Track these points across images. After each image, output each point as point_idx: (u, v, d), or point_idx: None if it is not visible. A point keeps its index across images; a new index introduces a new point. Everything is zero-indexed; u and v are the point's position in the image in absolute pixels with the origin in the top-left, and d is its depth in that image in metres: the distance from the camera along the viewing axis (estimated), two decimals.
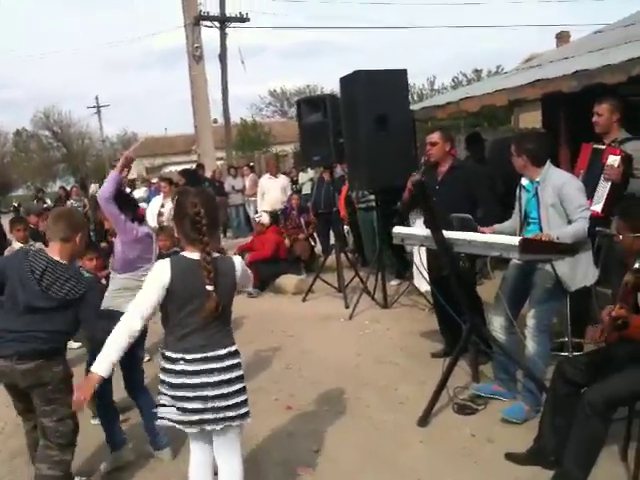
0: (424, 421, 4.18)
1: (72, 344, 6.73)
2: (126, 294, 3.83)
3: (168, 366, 2.84)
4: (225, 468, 2.97)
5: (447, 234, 4.08)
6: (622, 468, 3.38)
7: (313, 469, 3.76)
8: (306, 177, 14.28)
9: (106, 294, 4.04)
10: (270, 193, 11.72)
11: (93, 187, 17.72)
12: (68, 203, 15.30)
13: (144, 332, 3.94)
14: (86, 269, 4.82)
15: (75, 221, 3.47)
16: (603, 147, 4.61)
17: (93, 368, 2.77)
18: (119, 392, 4.89)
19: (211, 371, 2.78)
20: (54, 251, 3.36)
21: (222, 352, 2.81)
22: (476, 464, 3.65)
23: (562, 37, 25.08)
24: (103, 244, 9.03)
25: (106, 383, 4.01)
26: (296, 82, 73.42)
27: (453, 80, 30.87)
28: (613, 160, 4.46)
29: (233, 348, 2.86)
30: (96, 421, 4.32)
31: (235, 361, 2.85)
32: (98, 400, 3.96)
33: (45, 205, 15.35)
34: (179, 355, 2.81)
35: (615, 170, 4.46)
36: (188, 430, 2.90)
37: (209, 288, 2.70)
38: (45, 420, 3.35)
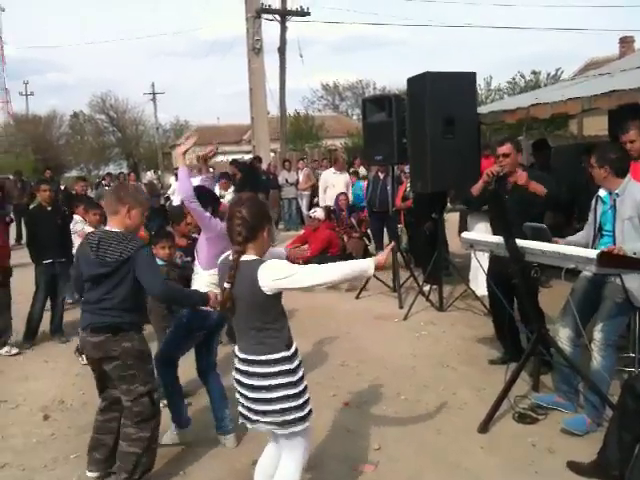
0: (484, 428, 4.20)
1: None
2: (216, 290, 3.94)
3: None
4: (280, 466, 3.04)
5: (521, 243, 4.09)
6: None
7: (375, 467, 3.82)
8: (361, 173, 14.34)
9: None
10: (335, 188, 11.81)
11: (149, 174, 18.01)
12: None
13: (221, 320, 4.08)
14: (159, 257, 4.93)
15: (120, 195, 3.59)
16: None
17: None
18: (185, 377, 5.06)
19: (243, 372, 2.93)
20: (110, 225, 3.61)
21: (251, 358, 2.90)
22: (538, 474, 3.66)
23: (626, 42, 24.51)
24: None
25: (170, 365, 4.18)
26: (348, 76, 73.25)
27: (509, 82, 30.36)
28: None
29: (275, 356, 2.87)
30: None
31: (280, 368, 2.86)
32: (162, 381, 4.17)
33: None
34: (235, 351, 3.03)
35: None
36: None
37: (225, 285, 2.86)
38: (122, 398, 3.56)
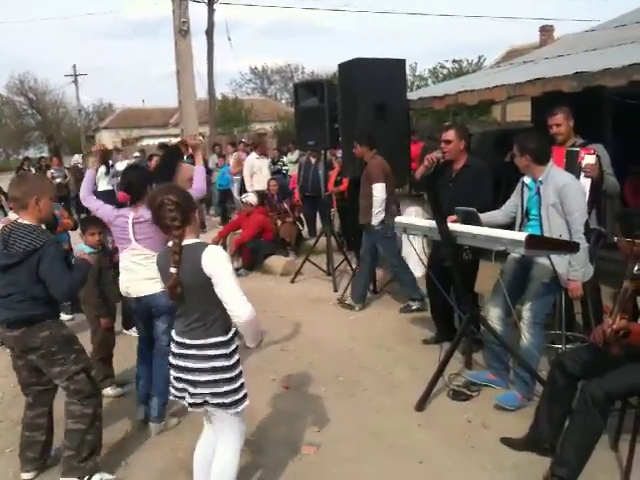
0: (421, 406, 4.33)
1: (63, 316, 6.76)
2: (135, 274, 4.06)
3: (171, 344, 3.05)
4: (217, 453, 3.05)
5: (452, 226, 4.20)
6: (613, 458, 3.56)
7: (317, 448, 3.88)
8: (292, 159, 14.32)
9: None
10: (261, 172, 11.76)
11: (76, 157, 17.47)
12: (48, 173, 15.11)
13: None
14: (89, 244, 4.84)
15: (24, 189, 3.45)
16: (577, 149, 4.77)
17: None
18: (120, 366, 4.99)
19: (187, 356, 2.91)
20: (21, 219, 3.45)
21: (199, 342, 2.88)
22: (474, 449, 3.81)
23: (546, 30, 25.28)
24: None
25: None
26: (277, 60, 72.86)
27: (432, 70, 30.77)
28: (590, 159, 4.65)
29: (213, 340, 2.88)
30: None
31: (216, 352, 2.87)
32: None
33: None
34: (173, 335, 3.01)
35: (595, 167, 4.64)
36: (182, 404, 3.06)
37: (172, 270, 2.82)
38: (58, 382, 3.54)
